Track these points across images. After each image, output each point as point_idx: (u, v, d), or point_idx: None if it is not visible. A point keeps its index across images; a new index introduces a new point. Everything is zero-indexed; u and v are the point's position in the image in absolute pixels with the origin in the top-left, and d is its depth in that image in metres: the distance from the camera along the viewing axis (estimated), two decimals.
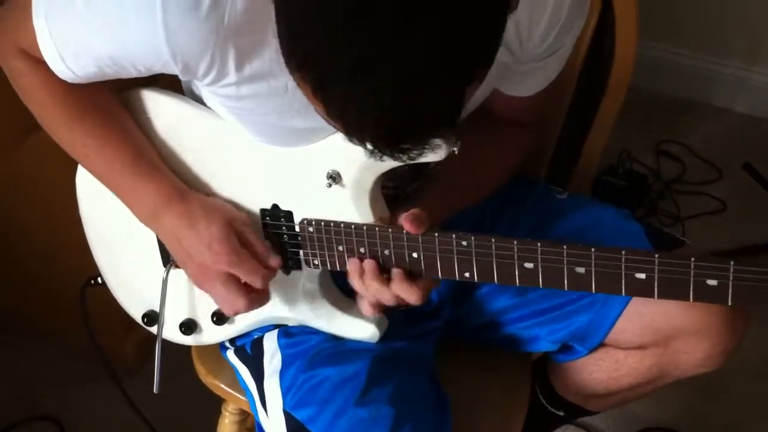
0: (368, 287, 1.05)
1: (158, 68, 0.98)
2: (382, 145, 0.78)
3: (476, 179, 1.16)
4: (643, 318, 1.15)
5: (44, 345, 1.92)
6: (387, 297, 1.04)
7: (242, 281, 1.06)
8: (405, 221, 1.00)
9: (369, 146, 0.79)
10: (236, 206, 1.11)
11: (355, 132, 0.78)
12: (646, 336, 1.17)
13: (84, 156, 1.12)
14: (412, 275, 1.03)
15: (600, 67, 1.33)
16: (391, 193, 1.13)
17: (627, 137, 2.35)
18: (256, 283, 1.06)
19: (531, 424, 1.33)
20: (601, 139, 1.36)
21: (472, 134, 1.14)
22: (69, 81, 1.05)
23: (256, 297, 1.08)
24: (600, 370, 1.26)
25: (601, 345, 1.23)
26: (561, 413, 1.40)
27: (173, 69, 0.96)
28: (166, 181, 1.09)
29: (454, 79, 0.74)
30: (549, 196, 1.30)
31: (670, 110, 2.67)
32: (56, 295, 1.61)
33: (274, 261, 1.07)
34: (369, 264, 1.04)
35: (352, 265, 1.05)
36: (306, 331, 1.18)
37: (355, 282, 1.06)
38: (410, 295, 1.02)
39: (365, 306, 1.08)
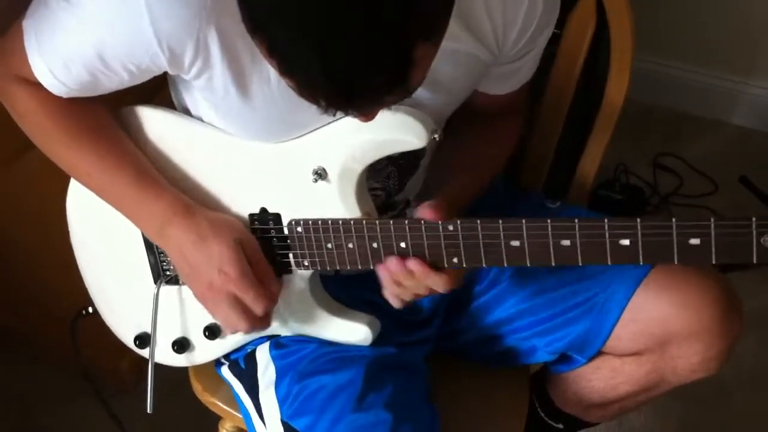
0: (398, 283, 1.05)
1: (147, 63, 0.99)
2: (333, 101, 0.81)
3: (474, 172, 1.18)
4: (639, 324, 1.16)
5: (38, 362, 1.91)
6: (411, 285, 1.05)
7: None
8: (425, 208, 1.01)
9: (323, 103, 0.81)
10: (226, 213, 1.12)
11: (306, 88, 0.81)
12: (642, 341, 1.18)
13: (86, 174, 1.12)
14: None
15: (596, 82, 1.33)
16: (380, 196, 1.14)
17: (623, 151, 2.35)
18: (257, 311, 1.06)
19: None
20: (598, 153, 1.36)
21: (463, 130, 1.17)
22: (63, 95, 1.07)
23: (258, 321, 1.08)
24: (598, 378, 1.27)
25: (598, 353, 1.23)
26: (560, 426, 1.40)
27: (162, 61, 0.98)
28: (170, 196, 1.09)
29: (400, 32, 0.77)
30: (541, 206, 1.32)
31: (667, 123, 2.67)
32: (50, 314, 1.60)
33: (276, 285, 1.08)
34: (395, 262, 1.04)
35: (382, 271, 1.06)
36: (297, 340, 1.19)
37: (386, 281, 1.07)
38: (438, 284, 1.03)
39: (392, 300, 1.08)
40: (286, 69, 0.80)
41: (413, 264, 1.03)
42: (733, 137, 2.65)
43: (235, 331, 1.10)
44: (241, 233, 1.08)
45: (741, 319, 1.16)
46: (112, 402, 1.46)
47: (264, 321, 1.09)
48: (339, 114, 0.84)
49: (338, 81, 0.78)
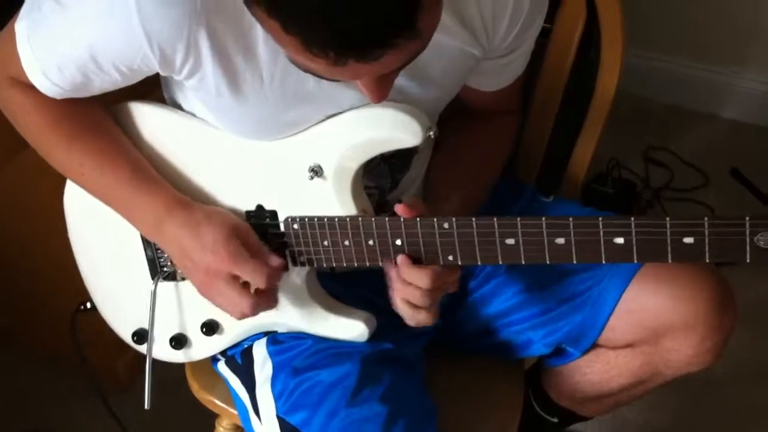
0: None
1: (138, 63, 0.99)
2: (342, 47, 0.78)
3: (471, 173, 1.18)
4: (633, 315, 1.17)
5: (36, 360, 1.91)
6: (399, 286, 1.04)
7: (245, 283, 1.06)
8: (399, 207, 1.01)
9: (332, 55, 0.78)
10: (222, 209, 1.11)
11: (314, 43, 0.77)
12: (636, 333, 1.18)
13: (81, 175, 1.12)
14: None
15: (587, 76, 1.34)
16: (374, 195, 1.14)
17: (615, 145, 2.35)
18: (259, 283, 1.05)
19: None
20: (590, 147, 1.37)
21: (460, 136, 1.17)
22: (58, 97, 1.07)
23: (263, 298, 1.07)
24: (592, 372, 1.27)
25: (593, 346, 1.24)
26: (555, 420, 1.40)
27: (152, 62, 0.98)
28: (165, 192, 1.09)
29: None
30: (535, 199, 1.33)
31: (658, 117, 2.68)
32: (48, 312, 1.61)
33: (275, 261, 1.07)
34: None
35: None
36: (294, 336, 1.19)
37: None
38: (418, 278, 1.02)
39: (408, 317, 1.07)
40: (289, 26, 0.77)
41: (399, 258, 1.03)
42: (725, 130, 2.66)
43: (241, 315, 1.07)
44: (234, 220, 1.08)
45: (735, 313, 1.17)
46: (109, 401, 1.46)
47: (268, 297, 1.08)
48: (350, 61, 0.79)
49: (342, 22, 0.75)
